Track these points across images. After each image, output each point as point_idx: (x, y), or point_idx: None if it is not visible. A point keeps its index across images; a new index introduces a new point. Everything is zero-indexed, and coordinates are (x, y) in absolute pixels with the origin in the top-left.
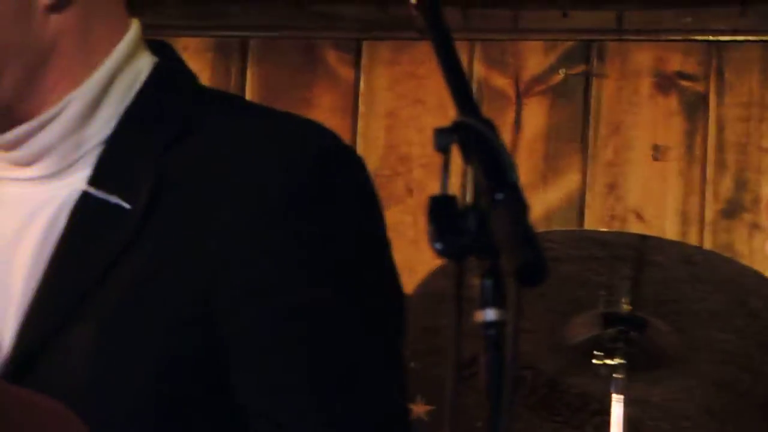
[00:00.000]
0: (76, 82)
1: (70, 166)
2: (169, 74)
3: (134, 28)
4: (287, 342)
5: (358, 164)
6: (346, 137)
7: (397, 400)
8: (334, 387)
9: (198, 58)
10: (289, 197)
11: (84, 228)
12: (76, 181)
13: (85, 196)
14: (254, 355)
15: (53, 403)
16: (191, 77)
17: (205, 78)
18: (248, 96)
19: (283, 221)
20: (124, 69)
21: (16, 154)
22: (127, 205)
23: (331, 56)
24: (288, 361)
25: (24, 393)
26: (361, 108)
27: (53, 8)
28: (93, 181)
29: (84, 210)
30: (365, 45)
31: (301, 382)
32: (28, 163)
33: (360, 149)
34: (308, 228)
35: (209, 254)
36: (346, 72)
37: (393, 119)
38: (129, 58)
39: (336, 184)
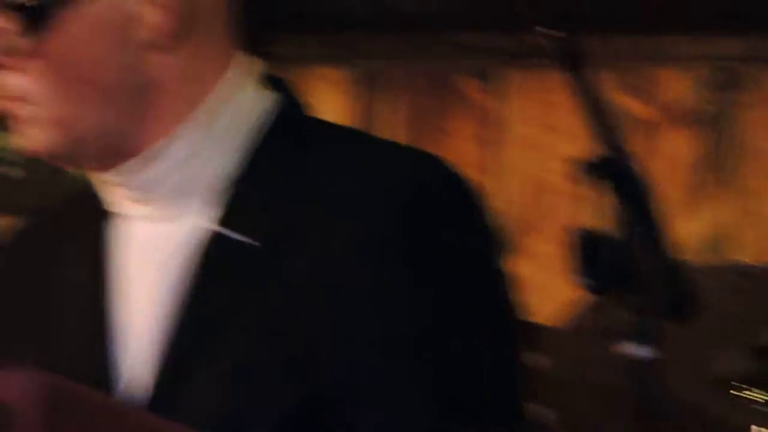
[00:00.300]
0: (182, 118)
1: (186, 203)
2: (286, 109)
3: (244, 61)
4: (408, 380)
5: (470, 196)
6: (480, 165)
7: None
8: (458, 422)
9: (333, 88)
10: (405, 233)
11: (214, 266)
12: (195, 218)
13: (207, 234)
14: (376, 394)
15: None
16: (308, 111)
17: (339, 108)
18: (381, 126)
19: (396, 259)
20: (231, 103)
21: (130, 191)
22: (252, 243)
23: (465, 84)
24: (407, 395)
25: (167, 423)
26: (496, 136)
27: (157, 47)
28: (219, 220)
29: (211, 249)
30: (498, 73)
31: (423, 420)
32: (142, 200)
33: (495, 178)
34: (421, 266)
35: (322, 298)
36: (478, 100)
37: (526, 147)
38: (238, 92)
39: (447, 216)
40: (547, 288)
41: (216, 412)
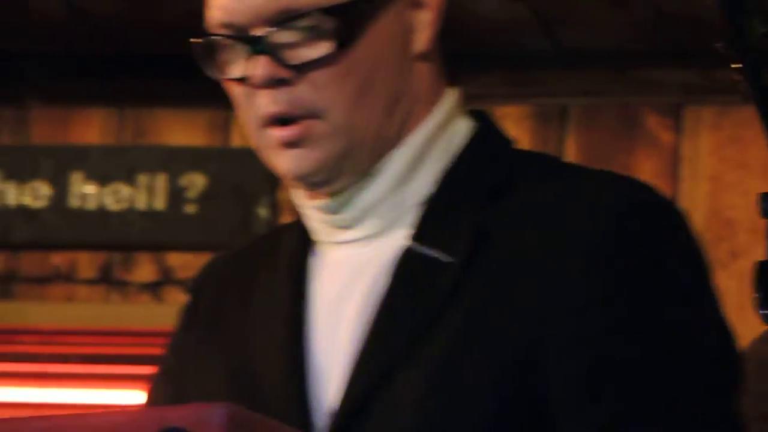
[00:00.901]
0: (414, 131)
1: (390, 226)
2: (486, 137)
3: (454, 92)
4: (623, 387)
5: (681, 217)
6: None
7: None
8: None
9: (517, 126)
10: (616, 247)
11: (407, 282)
12: (397, 239)
13: (407, 252)
14: (586, 401)
15: None
16: (508, 140)
17: (523, 145)
18: None
19: (609, 269)
20: (444, 129)
21: (340, 216)
22: (448, 259)
23: (652, 121)
24: (626, 402)
25: None
26: (683, 172)
27: (420, 58)
28: (415, 237)
29: (406, 265)
30: (687, 109)
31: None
32: (350, 225)
33: None
34: (633, 274)
35: (530, 304)
36: (667, 137)
37: (716, 183)
38: (449, 119)
39: (660, 234)
40: (734, 325)
41: (406, 428)
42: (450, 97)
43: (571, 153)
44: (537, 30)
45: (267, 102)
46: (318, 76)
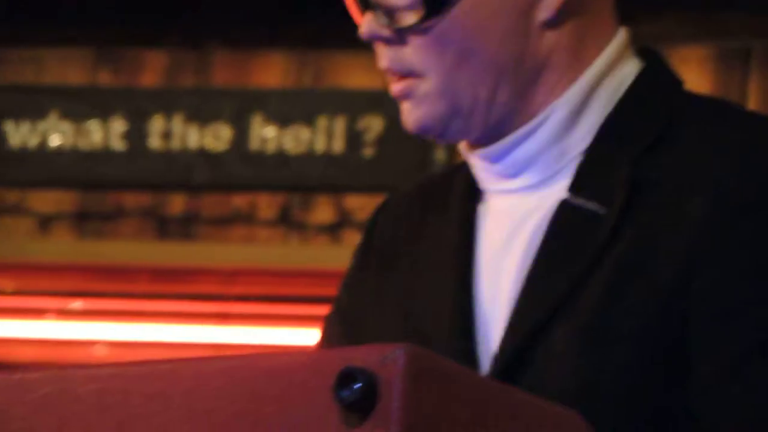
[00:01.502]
0: (561, 92)
1: (552, 176)
2: (653, 79)
3: (621, 34)
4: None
5: None
6: None
7: None
8: None
9: (697, 69)
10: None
11: (562, 234)
12: (559, 190)
13: (563, 204)
14: (730, 343)
15: (552, 404)
16: (677, 82)
17: (704, 88)
18: (751, 105)
19: (757, 216)
20: (608, 76)
21: (500, 166)
22: (603, 210)
23: None
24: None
25: (528, 397)
26: None
27: (550, 24)
28: (571, 188)
29: (562, 217)
30: None
31: None
32: (512, 174)
33: None
34: None
35: (682, 250)
36: None
37: None
38: (614, 64)
39: None
40: None
41: (565, 377)
42: (618, 40)
43: (754, 96)
44: None
45: (380, 56)
46: (416, 40)
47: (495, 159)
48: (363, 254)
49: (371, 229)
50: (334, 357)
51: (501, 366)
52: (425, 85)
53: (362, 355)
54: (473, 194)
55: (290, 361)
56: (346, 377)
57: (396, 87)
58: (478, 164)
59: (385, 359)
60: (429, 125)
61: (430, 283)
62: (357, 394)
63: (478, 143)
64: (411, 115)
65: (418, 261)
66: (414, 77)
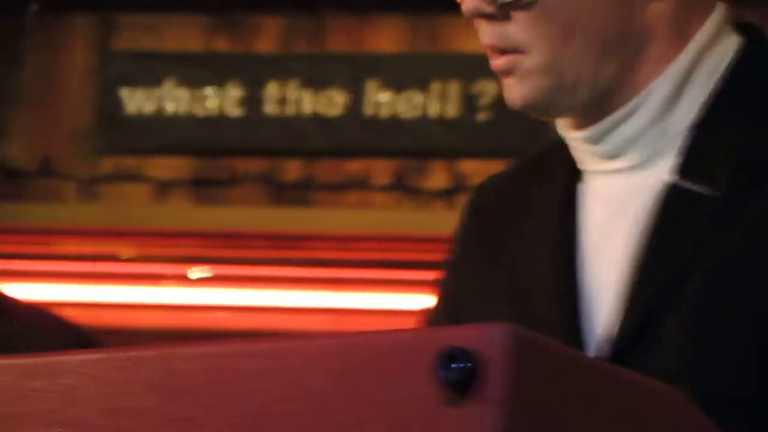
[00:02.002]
0: (664, 67)
1: (654, 155)
2: (756, 54)
3: (721, 8)
4: None
5: None
6: None
7: None
8: None
9: None
10: None
11: (669, 217)
12: (663, 169)
13: (670, 186)
14: None
15: (658, 383)
16: None
17: None
18: None
19: None
20: (709, 51)
21: (602, 146)
22: (712, 193)
23: None
24: None
25: (636, 377)
26: None
27: None
28: (677, 169)
29: (669, 200)
30: None
31: None
32: (614, 155)
33: None
34: None
35: None
36: None
37: None
38: (715, 39)
39: None
40: None
41: (681, 362)
42: (717, 14)
43: None
44: None
45: (482, 32)
46: (520, 15)
47: (596, 139)
48: (466, 232)
49: (473, 207)
50: (436, 336)
51: (614, 349)
52: (529, 61)
53: (462, 335)
54: (575, 173)
55: (392, 340)
56: (447, 357)
57: (497, 62)
58: (579, 145)
59: (487, 340)
60: (533, 101)
61: (534, 265)
62: (457, 373)
63: (580, 121)
64: (515, 91)
65: (519, 241)
66: (517, 53)
